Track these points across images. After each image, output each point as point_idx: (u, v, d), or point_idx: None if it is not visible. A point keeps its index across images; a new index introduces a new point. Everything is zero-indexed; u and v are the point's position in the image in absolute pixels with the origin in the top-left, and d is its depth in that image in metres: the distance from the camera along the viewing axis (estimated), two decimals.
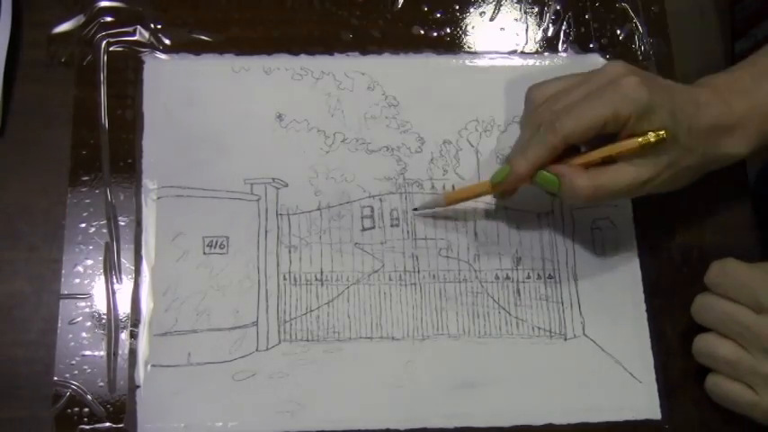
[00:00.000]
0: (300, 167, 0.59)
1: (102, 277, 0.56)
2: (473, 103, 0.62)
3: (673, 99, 0.53)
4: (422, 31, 0.64)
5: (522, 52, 0.64)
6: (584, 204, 0.55)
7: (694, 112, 0.53)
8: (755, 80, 0.55)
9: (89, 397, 0.53)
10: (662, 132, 0.51)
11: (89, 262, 0.56)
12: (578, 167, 0.53)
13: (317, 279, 0.57)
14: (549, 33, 0.64)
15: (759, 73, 0.56)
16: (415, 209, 0.59)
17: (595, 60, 0.63)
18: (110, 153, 0.58)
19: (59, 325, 0.55)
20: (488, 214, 0.60)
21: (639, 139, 0.51)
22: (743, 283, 0.51)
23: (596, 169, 0.53)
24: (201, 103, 0.60)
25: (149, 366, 0.54)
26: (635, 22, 0.65)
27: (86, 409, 0.53)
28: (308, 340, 0.56)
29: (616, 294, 0.58)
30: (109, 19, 0.62)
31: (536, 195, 0.60)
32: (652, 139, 0.51)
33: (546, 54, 0.64)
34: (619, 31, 0.65)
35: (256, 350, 0.55)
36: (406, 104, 0.61)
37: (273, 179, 0.59)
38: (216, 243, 0.57)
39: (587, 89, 0.53)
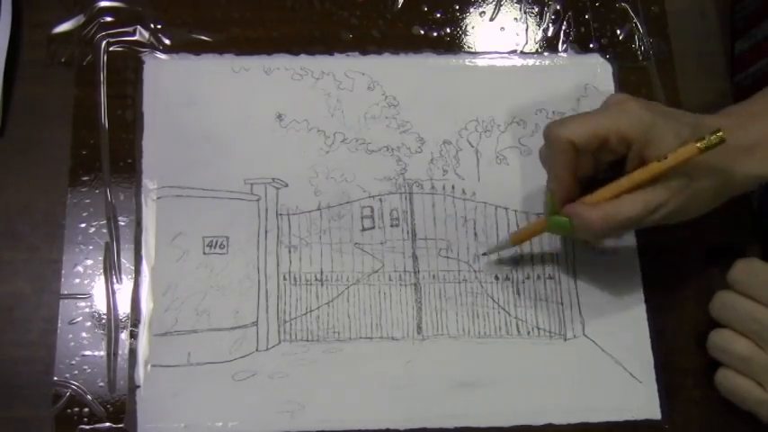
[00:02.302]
0: (300, 167, 0.59)
1: (102, 277, 0.56)
2: (473, 103, 0.62)
3: (679, 122, 0.52)
4: (422, 31, 0.64)
5: (522, 52, 0.64)
6: (598, 239, 0.54)
7: (704, 132, 0.51)
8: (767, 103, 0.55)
9: (89, 397, 0.53)
10: (720, 133, 0.49)
11: (89, 262, 0.56)
12: (588, 204, 0.52)
13: (317, 279, 0.57)
14: (549, 33, 0.64)
15: None
16: (485, 253, 0.58)
17: (595, 60, 0.63)
18: (110, 153, 0.58)
19: (59, 325, 0.55)
20: (488, 214, 0.60)
21: (698, 144, 0.49)
22: (766, 283, 0.51)
23: (606, 202, 0.52)
24: (201, 103, 0.60)
25: (149, 366, 0.54)
26: (635, 22, 0.65)
27: (86, 409, 0.53)
28: (307, 340, 0.56)
29: (616, 294, 0.58)
30: (109, 19, 0.62)
31: (536, 195, 0.60)
32: (713, 140, 0.49)
33: (546, 54, 0.64)
34: (619, 31, 0.65)
35: (256, 350, 0.55)
36: (406, 104, 0.61)
37: (273, 179, 0.59)
38: (216, 243, 0.57)
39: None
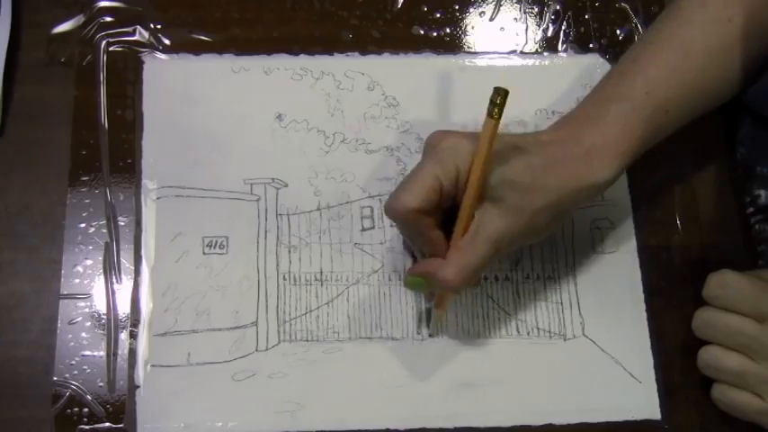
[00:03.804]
0: (300, 167, 0.59)
1: (102, 277, 0.56)
2: (473, 103, 0.62)
3: (501, 141, 0.48)
4: (422, 31, 0.64)
5: (522, 52, 0.64)
6: (459, 292, 0.51)
7: (533, 148, 0.49)
8: (599, 106, 0.52)
9: (89, 397, 0.53)
10: (498, 88, 0.46)
11: (89, 262, 0.56)
12: (437, 259, 0.49)
13: (316, 279, 0.57)
14: (549, 33, 0.64)
15: (603, 98, 0.53)
16: (431, 335, 0.56)
17: (595, 60, 0.63)
18: (109, 153, 0.58)
19: (59, 325, 0.55)
20: None
21: (490, 115, 0.46)
22: (743, 293, 0.51)
23: (454, 247, 0.49)
24: (201, 104, 0.60)
25: (149, 366, 0.54)
26: (635, 22, 0.65)
27: (86, 410, 0.53)
28: (307, 340, 0.56)
29: (616, 294, 0.58)
30: (109, 19, 0.62)
31: None
32: (498, 99, 0.46)
33: (546, 54, 0.64)
34: (618, 31, 0.65)
35: (256, 350, 0.55)
36: (406, 104, 0.61)
37: (273, 179, 0.59)
38: (215, 243, 0.57)
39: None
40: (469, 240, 0.48)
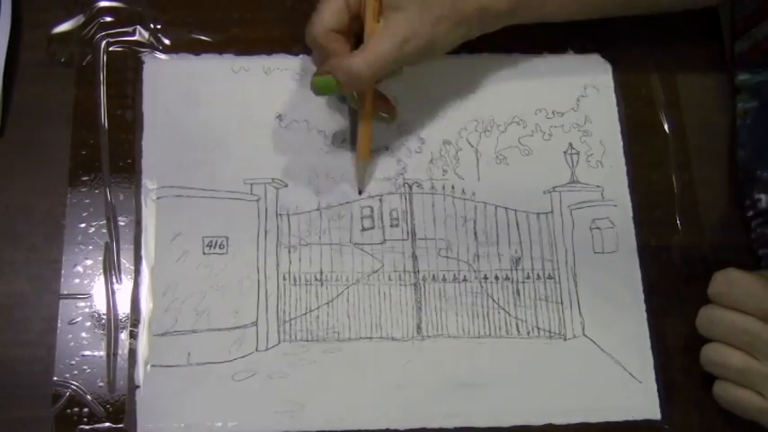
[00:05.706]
0: (300, 167, 0.59)
1: (102, 277, 0.56)
2: (473, 103, 0.62)
3: None
4: None
5: (522, 52, 0.64)
6: (363, 86, 0.55)
7: None
8: None
9: (89, 397, 0.53)
10: None
11: (89, 262, 0.56)
12: (345, 54, 0.53)
13: (316, 279, 0.57)
14: (549, 33, 0.64)
15: None
16: (360, 191, 0.59)
17: (595, 60, 0.63)
18: (109, 153, 0.58)
19: (59, 325, 0.55)
20: (488, 214, 0.60)
21: None
22: (748, 292, 0.51)
23: (362, 45, 0.54)
24: (201, 103, 0.60)
25: (149, 366, 0.54)
26: (635, 22, 0.65)
27: (86, 409, 0.53)
28: (307, 340, 0.56)
29: (616, 294, 0.58)
30: (109, 19, 0.62)
31: (536, 195, 0.60)
32: None
33: (546, 54, 0.64)
34: (618, 31, 0.64)
35: (256, 350, 0.55)
36: (406, 104, 0.61)
37: (273, 179, 0.59)
38: (215, 243, 0.57)
39: None
40: (377, 37, 0.53)
